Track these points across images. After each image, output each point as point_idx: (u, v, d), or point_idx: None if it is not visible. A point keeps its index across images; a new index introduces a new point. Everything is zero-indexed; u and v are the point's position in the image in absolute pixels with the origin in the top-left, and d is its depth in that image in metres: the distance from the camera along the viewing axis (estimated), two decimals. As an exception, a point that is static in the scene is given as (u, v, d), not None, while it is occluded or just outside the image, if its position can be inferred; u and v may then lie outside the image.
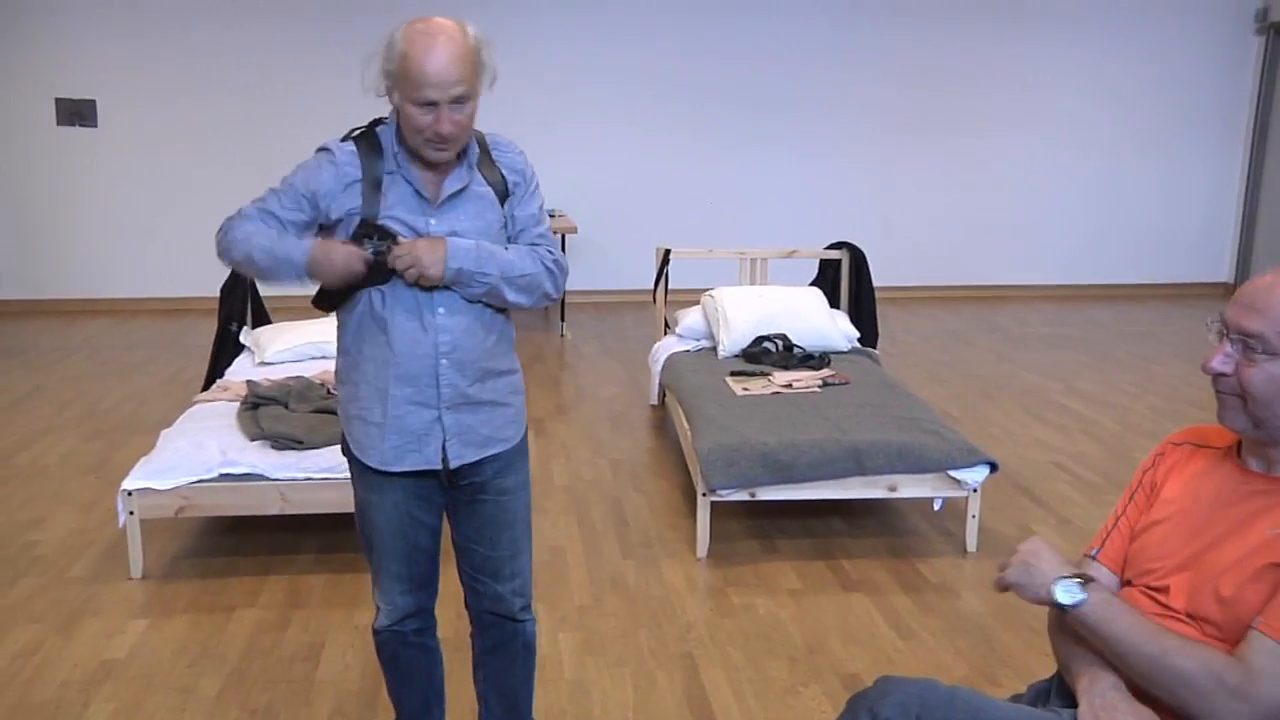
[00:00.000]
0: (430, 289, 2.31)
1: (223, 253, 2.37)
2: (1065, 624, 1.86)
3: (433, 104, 2.20)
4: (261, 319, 5.86)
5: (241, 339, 5.62)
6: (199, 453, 3.98)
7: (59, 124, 8.95)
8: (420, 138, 2.25)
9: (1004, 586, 1.82)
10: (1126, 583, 1.89)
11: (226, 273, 5.74)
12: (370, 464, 2.44)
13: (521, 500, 2.58)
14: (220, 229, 2.37)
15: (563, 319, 8.45)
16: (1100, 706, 1.68)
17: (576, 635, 3.55)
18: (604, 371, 7.13)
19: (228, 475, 3.91)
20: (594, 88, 9.31)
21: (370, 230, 2.29)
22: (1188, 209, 10.20)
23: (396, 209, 2.32)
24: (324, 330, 5.46)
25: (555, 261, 2.44)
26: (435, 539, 2.57)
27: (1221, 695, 1.61)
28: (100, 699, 3.17)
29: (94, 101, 8.97)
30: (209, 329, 7.35)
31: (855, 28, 9.48)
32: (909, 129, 9.71)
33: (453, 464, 2.43)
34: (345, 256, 2.27)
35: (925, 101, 9.68)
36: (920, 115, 9.70)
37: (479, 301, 2.37)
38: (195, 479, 3.89)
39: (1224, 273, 10.36)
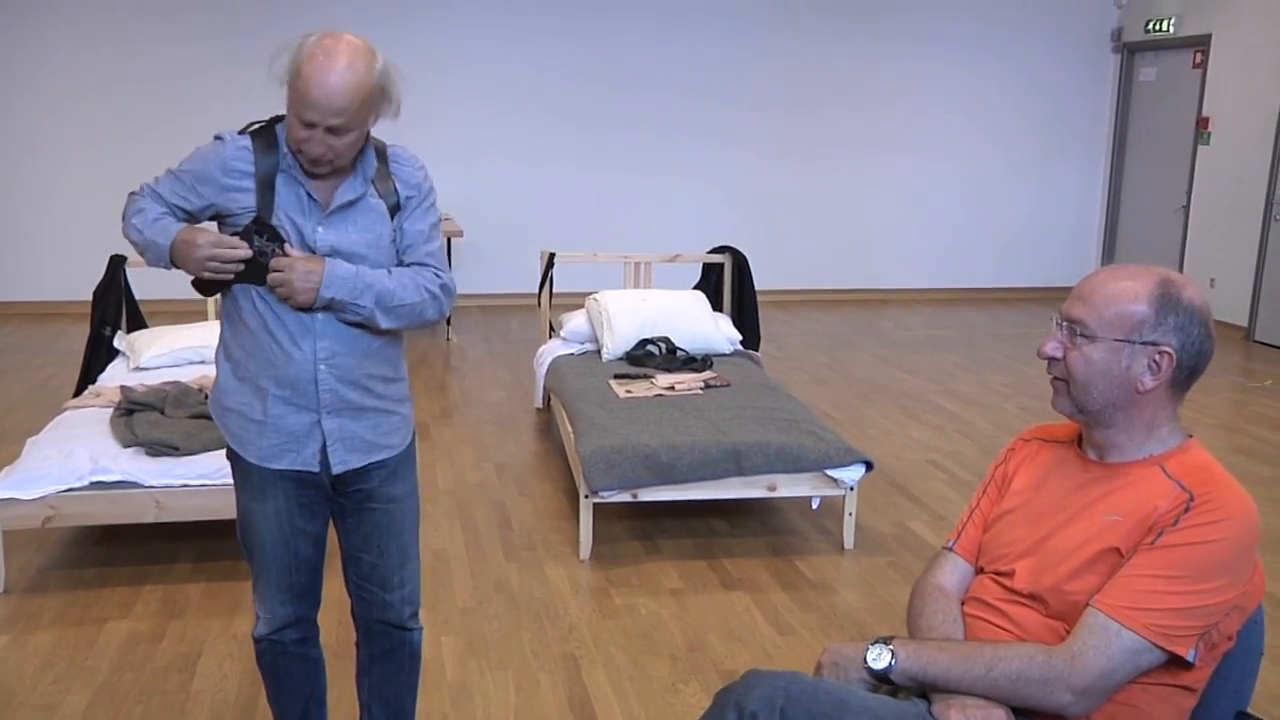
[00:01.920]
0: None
1: (125, 227, 2.36)
2: (915, 625, 1.94)
3: (311, 125, 2.18)
4: (136, 323, 5.70)
5: (115, 344, 5.45)
6: (68, 460, 3.86)
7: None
8: (295, 147, 2.24)
9: None
10: (980, 570, 1.98)
11: (99, 275, 5.58)
12: (249, 459, 2.40)
13: (409, 507, 2.56)
14: (126, 205, 2.36)
15: (448, 323, 8.40)
16: (953, 701, 1.76)
17: (459, 639, 3.55)
18: (489, 375, 7.12)
19: (99, 483, 3.80)
20: (481, 95, 9.29)
21: (261, 228, 2.26)
22: (1056, 216, 10.62)
23: (287, 209, 2.30)
24: (202, 335, 5.34)
25: (442, 286, 2.40)
26: (319, 548, 2.54)
27: (1054, 680, 1.70)
28: (-40, 717, 3.07)
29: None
30: (81, 334, 7.13)
31: (741, 43, 9.65)
32: (795, 141, 9.92)
33: (335, 469, 2.41)
34: (209, 250, 2.23)
35: (808, 114, 9.89)
36: (803, 127, 9.91)
37: None
38: (64, 488, 3.77)
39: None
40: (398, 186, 2.37)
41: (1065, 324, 1.84)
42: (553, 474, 5.15)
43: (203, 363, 5.18)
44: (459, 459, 5.35)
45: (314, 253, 2.28)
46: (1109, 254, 10.60)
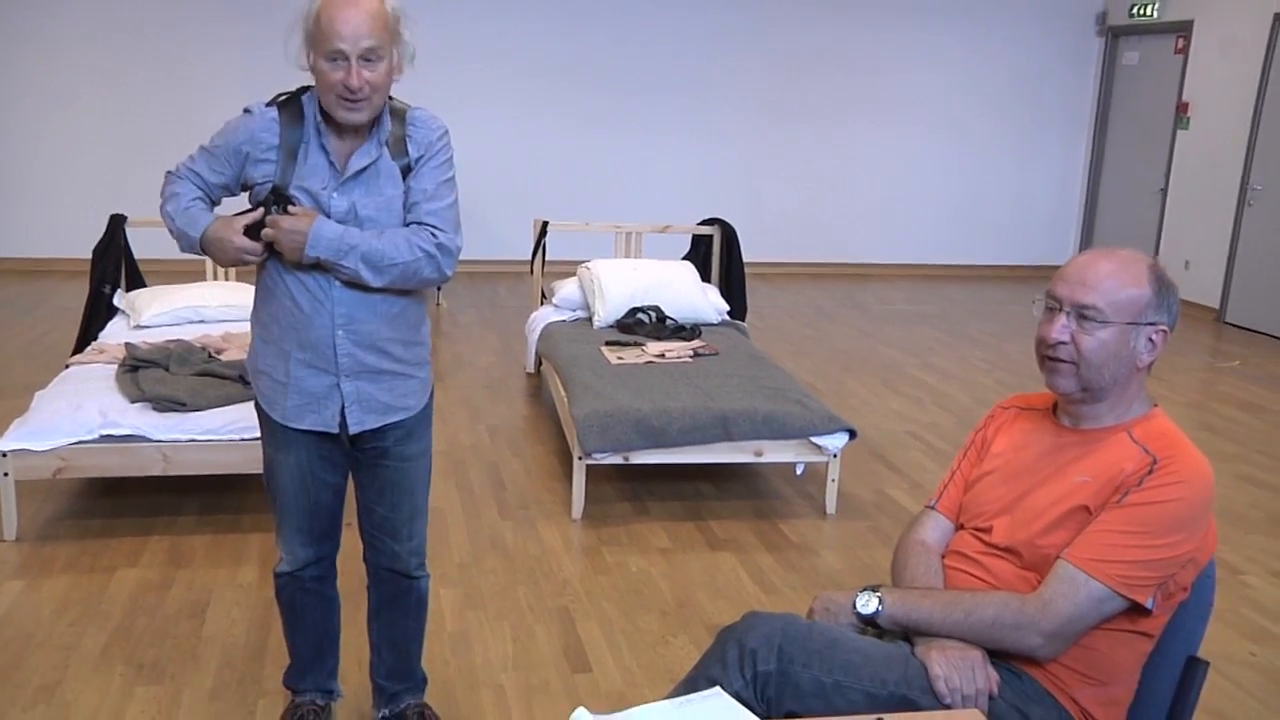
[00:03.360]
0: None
1: (160, 210, 2.47)
2: (900, 577, 2.11)
3: (343, 57, 2.28)
4: (135, 282, 5.80)
5: (115, 302, 5.55)
6: (78, 414, 3.98)
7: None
8: (332, 95, 2.32)
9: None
10: (960, 526, 2.14)
11: (94, 232, 5.66)
12: (275, 418, 2.54)
13: (422, 466, 2.69)
14: (163, 184, 2.47)
15: (438, 288, 8.50)
16: (934, 643, 1.92)
17: (457, 591, 3.70)
18: (481, 340, 7.25)
19: (109, 436, 3.93)
20: (475, 60, 9.36)
21: (278, 198, 2.38)
22: (1038, 195, 10.79)
23: (308, 179, 2.40)
24: (201, 295, 5.45)
25: (439, 245, 2.43)
26: (338, 496, 2.68)
27: (1026, 625, 1.87)
28: (-21, 657, 3.20)
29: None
30: (75, 291, 7.23)
31: (733, 11, 9.73)
32: (782, 112, 10.04)
33: (352, 429, 2.53)
34: (236, 251, 2.37)
35: (798, 85, 10.01)
36: (793, 99, 10.03)
37: None
38: (74, 440, 3.90)
39: (1068, 255, 10.98)
40: (410, 148, 2.45)
41: (1073, 310, 1.95)
42: (544, 436, 5.30)
43: (202, 322, 5.30)
44: (452, 421, 5.49)
45: (330, 218, 2.40)
46: (1088, 234, 10.79)
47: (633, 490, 4.66)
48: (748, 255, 6.68)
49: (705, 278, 6.35)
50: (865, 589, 2.01)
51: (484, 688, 3.14)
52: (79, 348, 5.29)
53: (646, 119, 9.79)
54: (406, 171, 2.45)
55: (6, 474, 3.89)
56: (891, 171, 10.41)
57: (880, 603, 1.97)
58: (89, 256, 5.65)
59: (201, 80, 8.74)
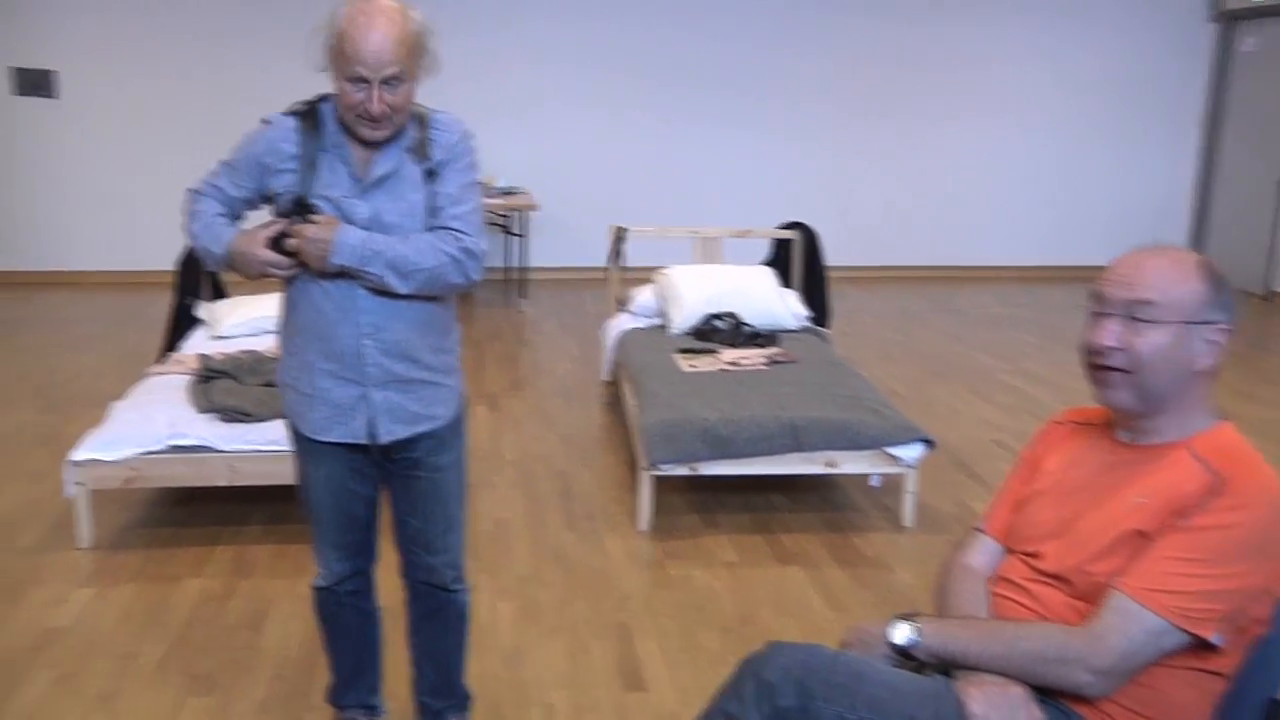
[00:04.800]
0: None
1: (184, 229, 2.46)
2: (942, 604, 1.96)
3: (365, 81, 2.24)
4: (218, 293, 5.89)
5: (197, 313, 5.64)
6: (148, 424, 4.03)
7: (16, 94, 8.90)
8: (352, 115, 2.30)
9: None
10: (1009, 550, 1.99)
11: (183, 246, 5.76)
12: (303, 431, 2.51)
13: (454, 477, 2.64)
14: (185, 202, 2.46)
15: (522, 295, 8.51)
16: (973, 678, 1.78)
17: (514, 604, 3.64)
18: (559, 347, 7.21)
19: (177, 447, 3.96)
20: (557, 66, 9.35)
21: (301, 208, 2.35)
22: (1141, 193, 10.35)
23: (330, 188, 2.37)
24: (276, 305, 5.49)
25: (465, 249, 2.37)
26: (371, 508, 2.64)
27: (1073, 660, 1.71)
28: (40, 665, 3.23)
29: (54, 72, 8.92)
30: (166, 303, 7.39)
31: (817, 8, 9.55)
32: (869, 110, 9.82)
33: (382, 439, 2.49)
34: (261, 265, 2.34)
35: (885, 83, 9.78)
36: (880, 97, 9.80)
37: None
38: (144, 450, 3.94)
39: (1178, 256, 10.53)
40: (433, 152, 2.40)
41: (1124, 311, 1.80)
42: (616, 446, 5.22)
43: (276, 332, 5.34)
44: (525, 430, 5.45)
45: (354, 226, 2.35)
46: (1200, 232, 10.31)
47: (701, 502, 4.55)
48: (833, 259, 6.51)
49: (787, 283, 6.21)
50: (901, 618, 1.88)
51: (534, 705, 3.06)
52: (162, 357, 5.39)
53: (727, 121, 9.66)
54: (429, 176, 2.39)
55: (81, 483, 3.95)
56: (984, 170, 10.09)
57: (917, 633, 1.84)
58: (175, 267, 5.76)
59: (288, 98, 8.89)
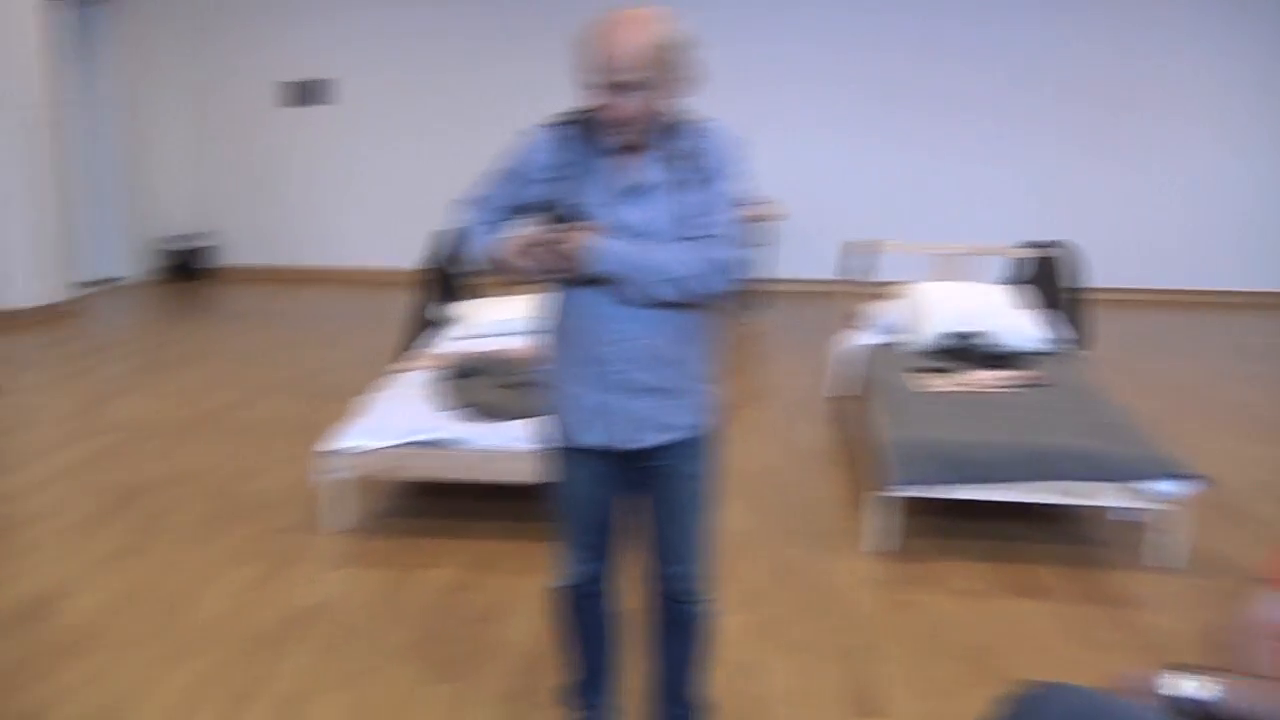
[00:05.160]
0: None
1: (448, 238, 2.56)
2: (1240, 658, 1.81)
3: (604, 87, 2.27)
4: (462, 293, 6.12)
5: (442, 311, 5.88)
6: (400, 418, 4.22)
7: (288, 104, 9.55)
8: (599, 121, 2.34)
9: None
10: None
11: (429, 248, 6.02)
12: (557, 433, 2.57)
13: (703, 488, 2.63)
14: (451, 212, 2.57)
15: (760, 306, 8.48)
16: None
17: (744, 619, 3.61)
18: (796, 361, 7.15)
19: (426, 441, 4.14)
20: (810, 82, 9.33)
21: (558, 216, 2.40)
22: None
23: (586, 197, 2.41)
24: (522, 307, 5.65)
25: (724, 259, 2.35)
26: (617, 514, 2.67)
27: None
28: (301, 639, 3.44)
29: (320, 81, 9.52)
30: (409, 301, 7.75)
31: (1051, 27, 9.16)
32: (1114, 131, 9.34)
33: (626, 446, 2.51)
34: (520, 271, 2.40)
35: (1132, 104, 9.28)
36: (1127, 119, 9.31)
37: None
38: (396, 443, 4.14)
39: None
40: (697, 161, 2.38)
41: None
42: (845, 463, 5.13)
43: (521, 333, 5.49)
44: (750, 442, 5.42)
45: (611, 234, 2.38)
46: None
47: (935, 525, 4.39)
48: (1102, 280, 6.23)
49: (1043, 303, 5.94)
50: (1174, 668, 1.74)
51: (763, 723, 3.03)
52: (405, 354, 5.64)
53: (974, 138, 9.41)
54: (691, 184, 2.39)
55: (335, 471, 4.18)
56: (1249, 188, 9.40)
57: (1221, 690, 1.69)
58: (419, 267, 6.03)
59: (530, 100, 9.18)
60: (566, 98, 2.60)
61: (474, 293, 6.24)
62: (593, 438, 2.52)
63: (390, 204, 9.59)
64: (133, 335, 7.72)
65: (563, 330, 2.51)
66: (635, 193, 2.39)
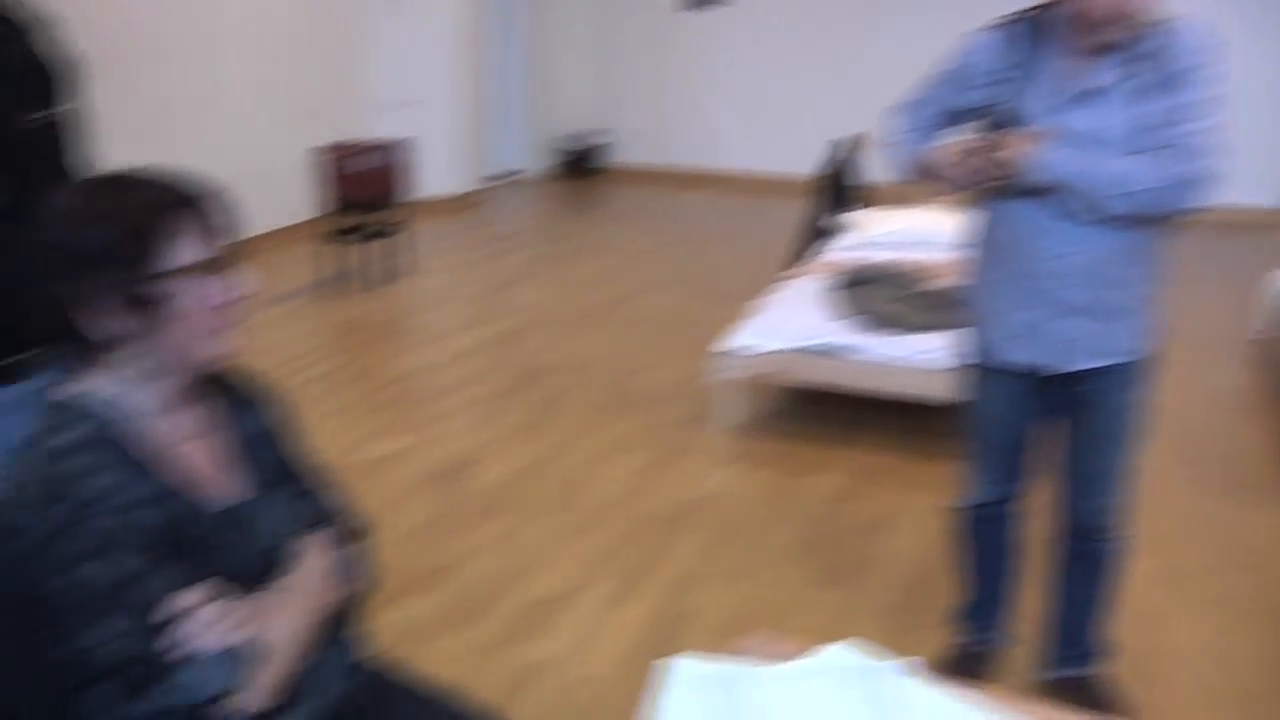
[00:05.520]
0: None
1: (880, 145, 2.49)
2: None
3: None
4: (857, 202, 6.02)
5: (835, 220, 5.81)
6: (797, 322, 4.23)
7: (686, 7, 9.67)
8: (1052, 17, 2.17)
9: None
10: None
11: (825, 153, 5.94)
12: (980, 350, 2.46)
13: (1131, 420, 2.44)
14: (883, 119, 2.48)
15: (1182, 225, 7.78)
16: None
17: (1149, 565, 3.35)
18: (1219, 295, 6.52)
19: (823, 347, 4.12)
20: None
21: (1000, 121, 2.26)
22: None
23: (1032, 101, 2.25)
24: (919, 219, 5.49)
25: (1192, 173, 2.12)
26: (1034, 436, 2.54)
27: None
28: (690, 528, 3.56)
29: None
30: (797, 207, 7.72)
31: None
32: None
33: (1057, 369, 2.37)
34: (957, 179, 2.27)
35: None
36: None
37: None
38: (790, 347, 4.15)
39: None
40: (1162, 64, 2.15)
41: None
42: (1266, 412, 4.63)
43: (919, 244, 5.32)
44: (1168, 381, 4.96)
45: (1058, 142, 2.20)
46: None
47: (1386, 491, 3.89)
48: None
49: None
50: None
51: (1172, 678, 2.81)
52: (799, 260, 5.63)
53: None
54: (1153, 90, 2.15)
55: (730, 369, 4.25)
56: None
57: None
58: (813, 175, 5.97)
59: (938, 4, 8.77)
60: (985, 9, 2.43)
61: (869, 202, 6.12)
62: (1018, 357, 2.39)
63: (782, 110, 9.55)
64: (532, 226, 8.21)
65: (991, 244, 2.38)
66: (1087, 98, 2.20)
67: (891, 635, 2.96)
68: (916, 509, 3.70)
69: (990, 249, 2.40)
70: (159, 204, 1.34)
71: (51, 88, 1.89)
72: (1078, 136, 2.21)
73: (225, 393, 1.56)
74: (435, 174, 8.42)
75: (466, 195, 8.89)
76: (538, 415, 4.48)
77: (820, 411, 4.49)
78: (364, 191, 6.28)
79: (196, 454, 1.46)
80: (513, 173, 10.32)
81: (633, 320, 5.76)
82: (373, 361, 5.14)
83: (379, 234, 6.36)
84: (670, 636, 2.95)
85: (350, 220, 6.38)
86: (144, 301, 1.33)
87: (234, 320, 1.42)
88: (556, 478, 3.92)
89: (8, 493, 1.30)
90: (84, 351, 1.39)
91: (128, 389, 1.40)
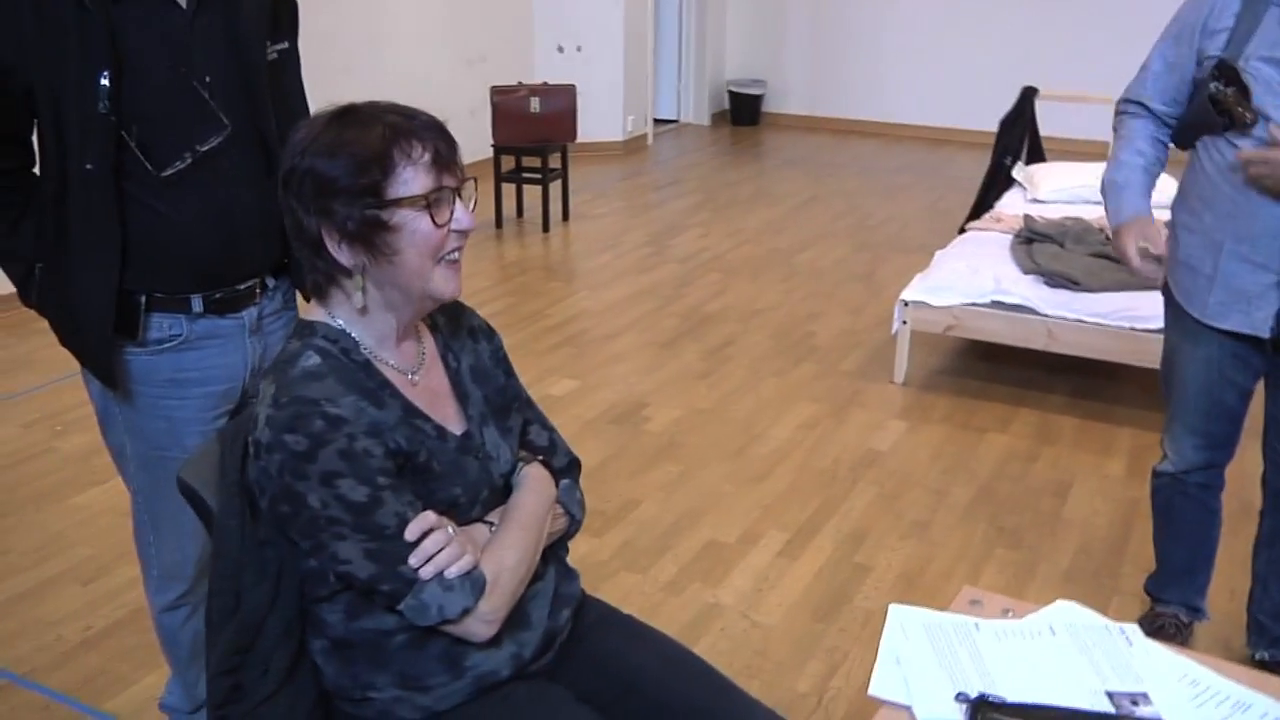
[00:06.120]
0: None
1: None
2: None
3: None
4: (1037, 156, 5.82)
5: (1014, 174, 5.63)
6: (974, 277, 4.12)
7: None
8: None
9: None
10: None
11: (1002, 106, 5.74)
12: (1192, 313, 2.35)
13: None
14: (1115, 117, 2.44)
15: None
16: None
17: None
18: None
19: (999, 303, 4.02)
20: None
21: (1222, 73, 2.13)
22: None
23: (1263, 50, 2.12)
24: (1099, 174, 5.26)
25: None
26: (1244, 401, 2.43)
27: None
28: (865, 481, 3.53)
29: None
30: (970, 160, 7.52)
31: None
32: None
33: (1274, 334, 2.25)
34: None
35: None
36: None
37: None
38: (968, 301, 4.06)
39: None
40: None
41: None
42: None
43: (1097, 202, 5.12)
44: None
45: None
46: None
47: None
48: None
49: None
50: None
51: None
52: (975, 214, 5.47)
53: None
54: None
55: (905, 322, 4.18)
56: None
57: None
58: (991, 128, 5.78)
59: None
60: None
61: (1052, 156, 5.91)
62: (1246, 322, 2.27)
63: (947, 61, 9.26)
64: (695, 174, 8.17)
65: (1225, 201, 2.24)
66: None
67: (1082, 597, 2.88)
68: (1097, 472, 3.59)
69: (1212, 208, 2.27)
70: (395, 134, 1.38)
71: (286, 22, 1.96)
72: None
73: (447, 325, 1.60)
74: (599, 119, 8.45)
75: (629, 141, 8.90)
76: (708, 363, 4.49)
77: (998, 369, 4.38)
78: (533, 134, 6.35)
79: (422, 384, 1.50)
80: (676, 120, 10.28)
81: (801, 270, 5.71)
82: (542, 303, 5.22)
83: (546, 177, 6.43)
84: (844, 589, 2.95)
85: (519, 163, 6.47)
86: (378, 228, 1.37)
87: (458, 254, 1.45)
88: (728, 425, 3.93)
89: (262, 410, 1.37)
90: (327, 279, 1.44)
91: (360, 319, 1.45)
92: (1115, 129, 2.43)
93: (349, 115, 1.41)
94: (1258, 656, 2.56)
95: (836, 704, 2.50)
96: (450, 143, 1.43)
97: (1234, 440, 2.50)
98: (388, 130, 1.38)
